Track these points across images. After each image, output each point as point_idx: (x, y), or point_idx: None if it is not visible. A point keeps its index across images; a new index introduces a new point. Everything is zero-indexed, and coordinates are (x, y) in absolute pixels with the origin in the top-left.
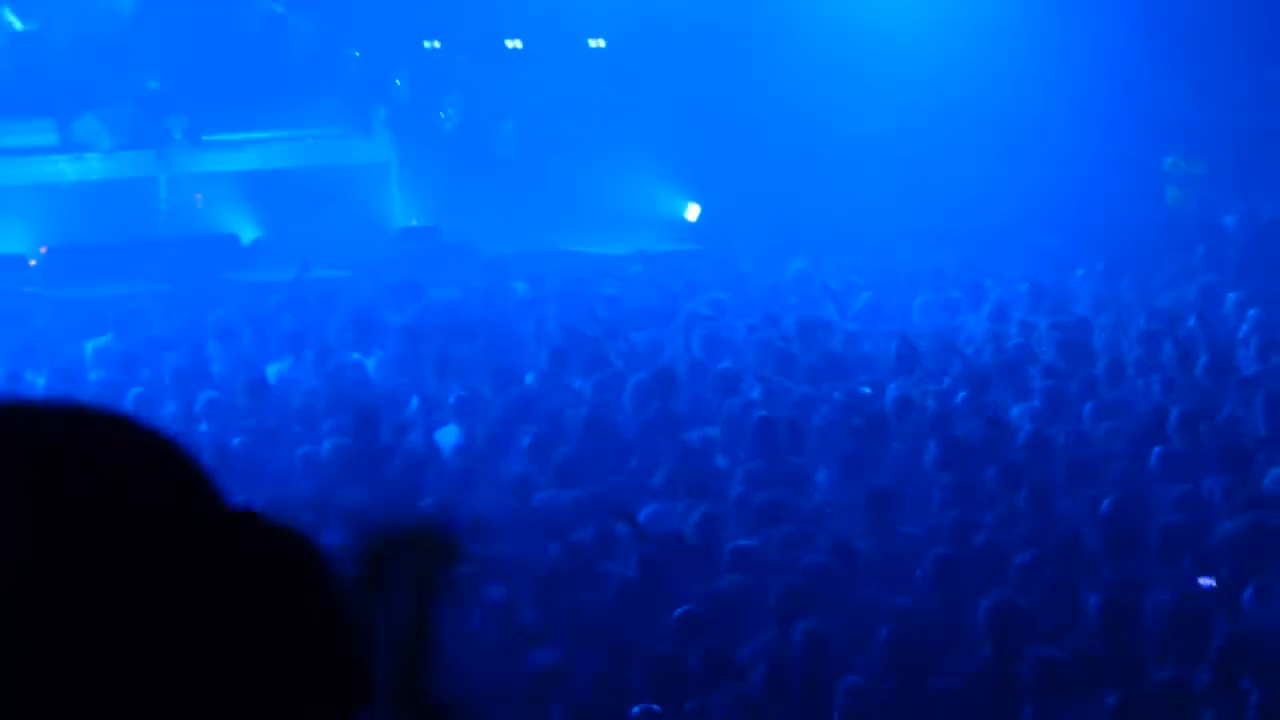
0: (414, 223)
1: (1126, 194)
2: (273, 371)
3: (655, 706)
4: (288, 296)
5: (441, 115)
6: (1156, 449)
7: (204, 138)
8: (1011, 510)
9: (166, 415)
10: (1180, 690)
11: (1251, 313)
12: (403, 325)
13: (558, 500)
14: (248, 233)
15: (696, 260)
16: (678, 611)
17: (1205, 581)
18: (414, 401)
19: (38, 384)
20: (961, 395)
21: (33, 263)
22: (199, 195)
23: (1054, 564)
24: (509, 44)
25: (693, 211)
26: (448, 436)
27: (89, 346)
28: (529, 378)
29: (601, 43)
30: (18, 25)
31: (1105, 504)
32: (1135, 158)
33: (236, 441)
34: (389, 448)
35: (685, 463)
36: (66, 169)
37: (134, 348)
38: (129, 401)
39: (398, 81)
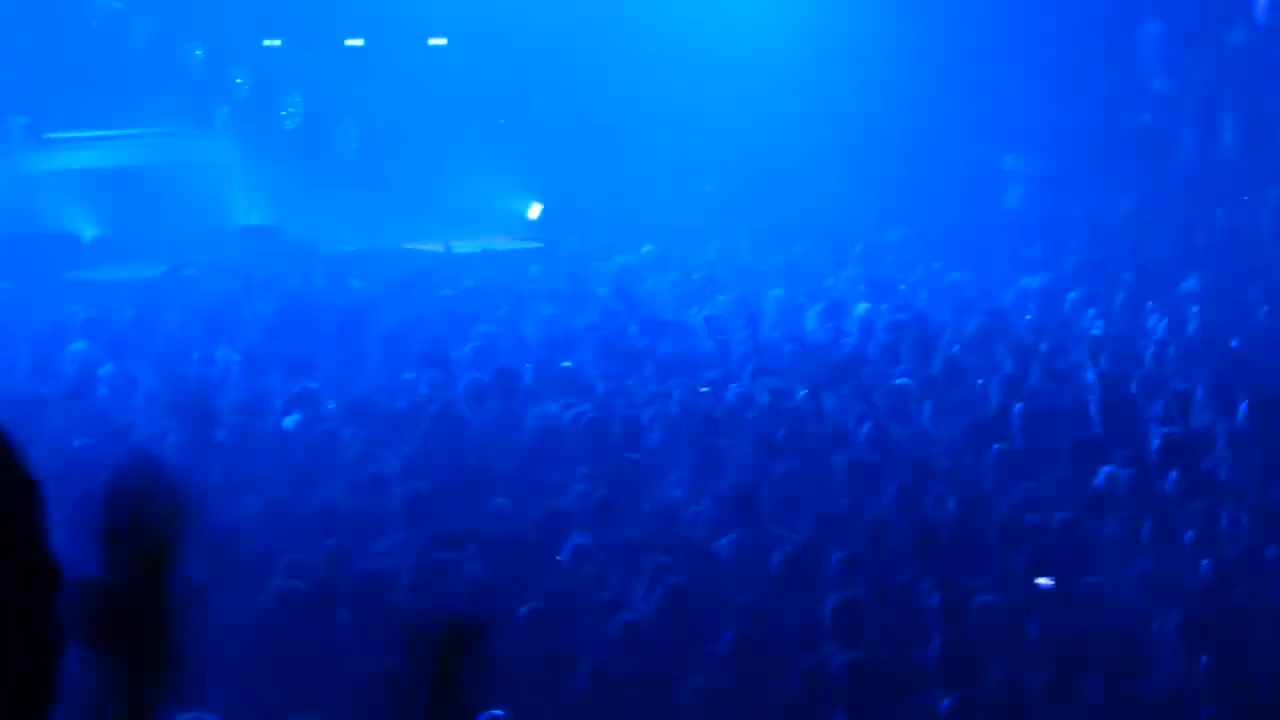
0: (255, 221)
1: (967, 192)
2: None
3: (497, 712)
4: (139, 294)
5: (283, 113)
6: (995, 447)
7: (45, 135)
8: (855, 509)
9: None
10: (1017, 691)
11: (1090, 311)
12: (252, 321)
13: (402, 496)
14: (88, 231)
15: (540, 258)
16: (523, 610)
17: (1043, 582)
18: (261, 396)
19: None
20: (803, 393)
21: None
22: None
23: (894, 563)
24: (350, 42)
25: (535, 210)
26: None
27: None
28: (368, 374)
29: (443, 41)
30: None
31: (948, 504)
32: (977, 157)
33: (78, 443)
34: (229, 441)
35: (527, 462)
36: None
37: None
38: None
39: (239, 79)
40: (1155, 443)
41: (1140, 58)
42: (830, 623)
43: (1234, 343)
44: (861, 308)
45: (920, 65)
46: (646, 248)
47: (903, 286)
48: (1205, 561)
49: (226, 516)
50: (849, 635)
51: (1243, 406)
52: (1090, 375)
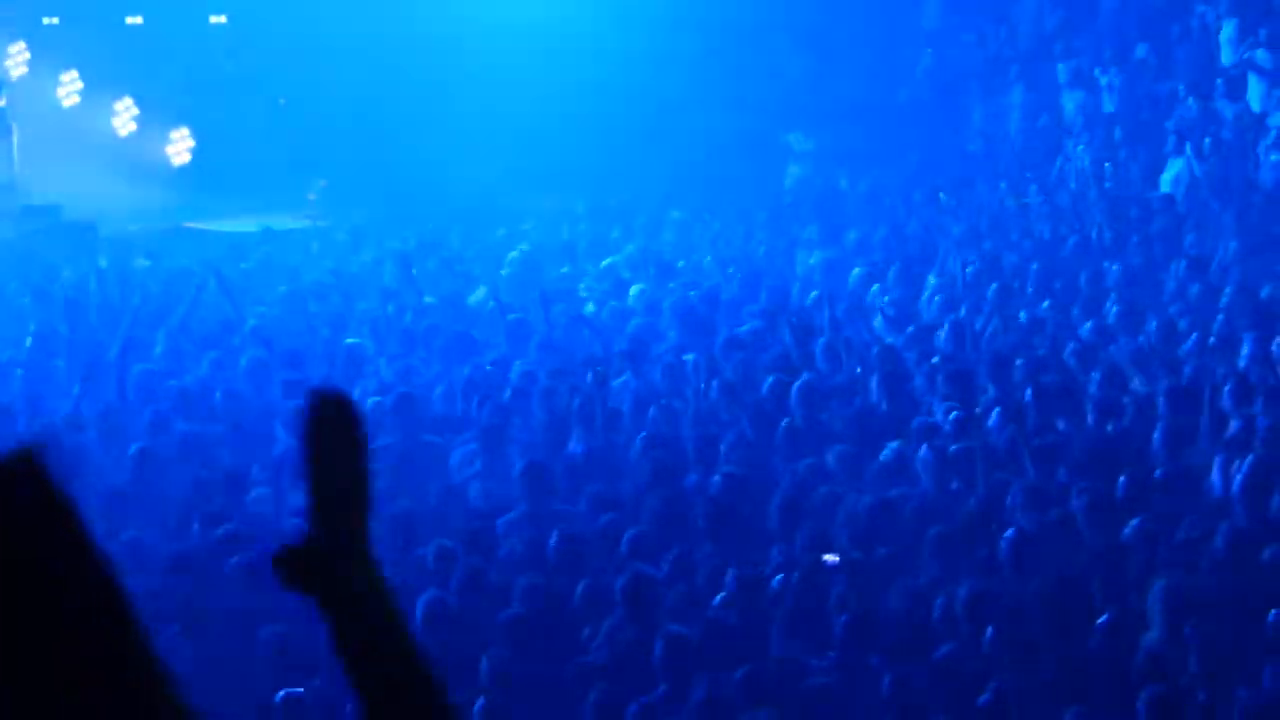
0: (34, 201)
1: (750, 170)
2: None
3: (298, 690)
4: None
5: (61, 91)
6: (783, 422)
7: None
8: (642, 485)
9: None
10: (806, 665)
11: (875, 287)
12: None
13: (179, 479)
14: None
15: (322, 237)
16: None
17: (829, 558)
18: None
19: None
20: (590, 374)
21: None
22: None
23: (683, 539)
24: (129, 20)
25: (316, 189)
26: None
27: None
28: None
29: (223, 18)
30: None
31: (725, 479)
32: (759, 135)
33: None
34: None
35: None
36: None
37: None
38: None
39: (16, 57)
40: (939, 418)
41: (918, 33)
42: (622, 599)
43: (1020, 319)
44: (635, 288)
45: (702, 42)
46: (430, 227)
47: (682, 263)
48: (993, 536)
49: None
50: (641, 611)
51: (1026, 384)
52: (873, 351)
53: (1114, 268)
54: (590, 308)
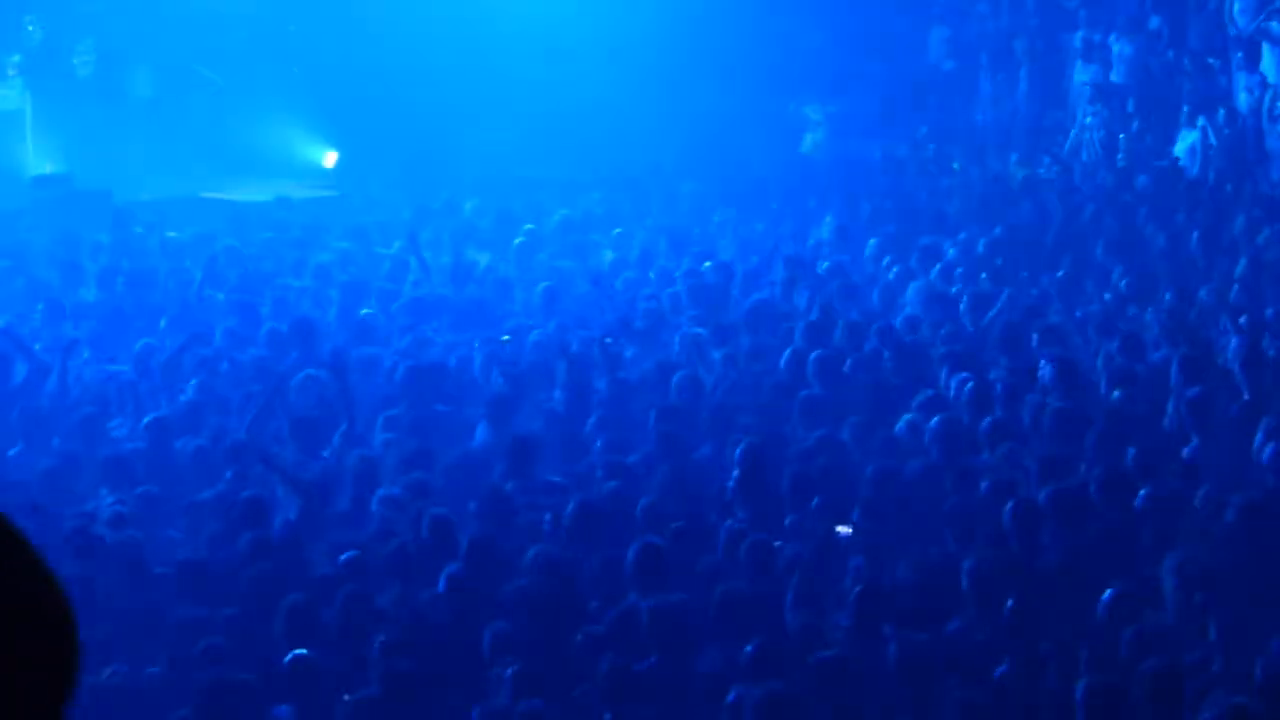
0: (48, 170)
1: (764, 141)
2: None
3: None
4: None
5: (75, 60)
6: (800, 394)
7: None
8: (656, 455)
9: None
10: (819, 636)
11: (886, 259)
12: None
13: (197, 451)
14: None
15: (334, 206)
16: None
17: (842, 530)
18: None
19: None
20: (608, 339)
21: None
22: None
23: (696, 510)
24: None
25: (330, 158)
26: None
27: None
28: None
29: None
30: None
31: (743, 449)
32: (774, 105)
33: None
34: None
35: (324, 410)
36: None
37: None
38: None
39: (30, 26)
40: (952, 390)
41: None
42: (632, 569)
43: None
44: (660, 259)
45: (715, 15)
46: (444, 197)
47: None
48: (1004, 508)
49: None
50: (651, 581)
51: (1041, 359)
52: (891, 322)
53: (1127, 239)
54: (611, 253)
